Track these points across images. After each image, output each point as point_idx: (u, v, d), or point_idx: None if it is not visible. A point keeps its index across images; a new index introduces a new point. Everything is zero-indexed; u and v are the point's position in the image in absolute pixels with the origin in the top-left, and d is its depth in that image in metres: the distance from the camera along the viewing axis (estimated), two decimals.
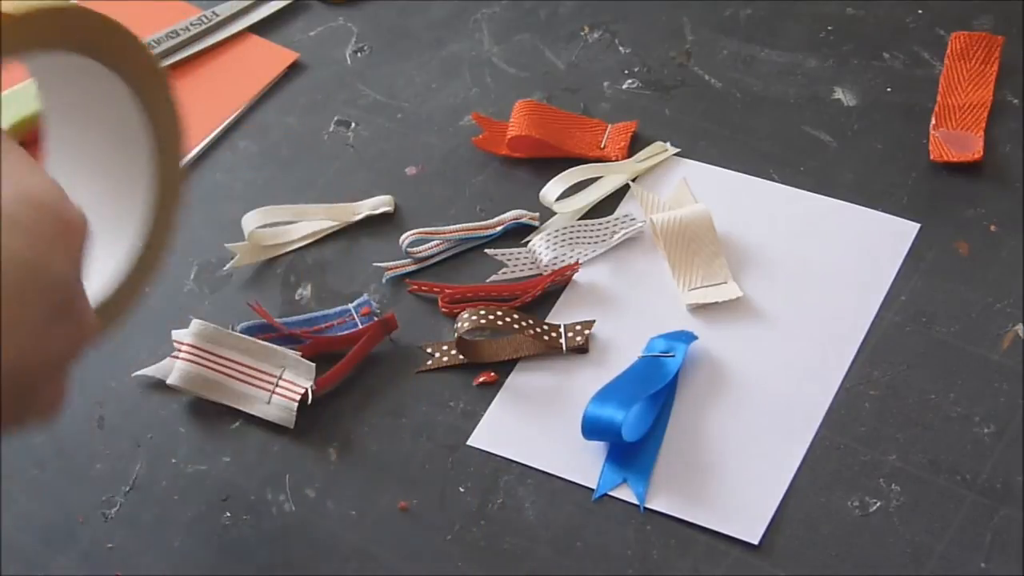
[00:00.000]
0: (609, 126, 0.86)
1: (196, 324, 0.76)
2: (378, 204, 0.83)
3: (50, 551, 0.71)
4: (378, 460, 0.73)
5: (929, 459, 0.70)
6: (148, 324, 0.79)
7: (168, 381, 0.76)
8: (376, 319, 0.77)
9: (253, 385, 0.75)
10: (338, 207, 0.83)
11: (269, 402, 0.74)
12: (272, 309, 0.78)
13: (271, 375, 0.75)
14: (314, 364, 0.75)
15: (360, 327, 0.77)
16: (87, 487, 0.73)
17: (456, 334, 0.75)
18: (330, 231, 0.83)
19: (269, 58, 0.93)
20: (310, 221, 0.83)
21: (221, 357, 0.76)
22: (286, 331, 0.77)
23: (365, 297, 0.79)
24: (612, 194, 0.83)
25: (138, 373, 0.77)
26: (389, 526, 0.71)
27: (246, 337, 0.76)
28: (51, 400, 0.58)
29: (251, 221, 0.82)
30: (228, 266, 0.81)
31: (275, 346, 0.76)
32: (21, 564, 0.71)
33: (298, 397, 0.74)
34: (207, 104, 0.90)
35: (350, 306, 0.78)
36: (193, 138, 0.87)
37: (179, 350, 0.76)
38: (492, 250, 0.81)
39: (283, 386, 0.75)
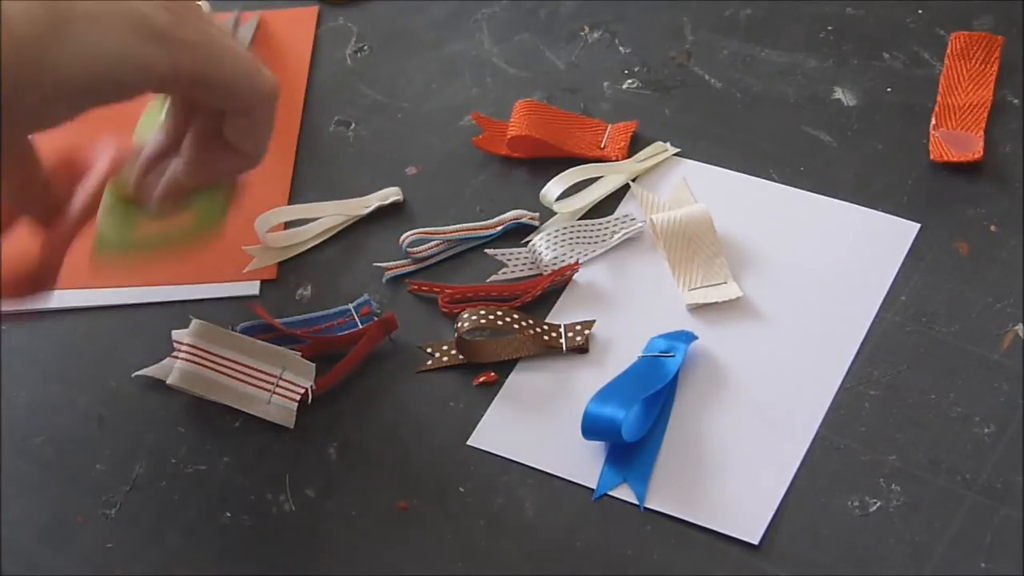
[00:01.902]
0: (609, 126, 0.86)
1: (196, 324, 0.76)
2: (387, 195, 0.83)
3: (50, 551, 0.71)
4: (378, 460, 0.73)
5: (929, 459, 0.70)
6: (148, 324, 0.79)
7: (168, 381, 0.76)
8: (376, 319, 0.77)
9: (253, 385, 0.75)
10: (348, 202, 0.83)
11: (269, 402, 0.74)
12: (272, 309, 0.78)
13: (271, 375, 0.75)
14: (314, 364, 0.75)
15: (360, 327, 0.77)
16: (87, 487, 0.73)
17: (456, 334, 0.75)
18: (342, 227, 0.83)
19: (295, 21, 0.94)
20: (322, 219, 0.83)
21: (221, 357, 0.76)
22: (286, 331, 0.77)
23: (365, 297, 0.79)
24: (612, 194, 0.83)
25: (138, 373, 0.77)
26: (389, 526, 0.71)
27: (246, 337, 0.76)
28: None
29: (265, 222, 0.81)
30: (247, 269, 0.81)
31: (275, 346, 0.76)
32: (21, 564, 0.71)
33: (298, 397, 0.74)
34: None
35: (350, 306, 0.78)
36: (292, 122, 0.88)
37: (179, 350, 0.76)
38: (492, 250, 0.81)
39: (283, 386, 0.75)
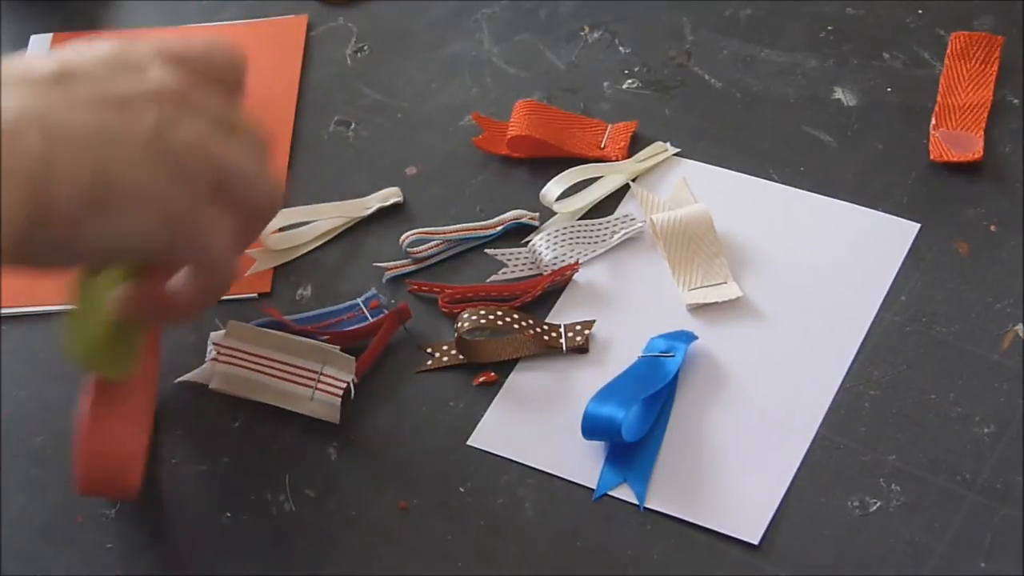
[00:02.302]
0: (609, 126, 0.86)
1: (232, 325, 0.76)
2: (387, 196, 0.83)
3: (50, 551, 0.71)
4: (378, 460, 0.73)
5: (929, 459, 0.70)
6: None
7: (211, 385, 0.75)
8: (386, 312, 0.77)
9: (295, 383, 0.74)
10: (348, 203, 0.83)
11: (312, 398, 0.74)
12: None
13: (312, 371, 0.74)
14: (353, 358, 0.74)
15: (371, 320, 0.77)
16: None
17: (456, 334, 0.75)
18: (343, 228, 0.83)
19: (285, 30, 0.94)
20: (323, 220, 0.83)
21: (261, 357, 0.75)
22: (296, 328, 0.76)
23: (373, 291, 0.79)
24: (612, 194, 0.83)
25: (181, 379, 0.76)
26: (389, 526, 0.71)
27: (284, 335, 0.75)
28: None
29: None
30: (249, 272, 0.81)
31: (314, 341, 0.75)
32: (21, 564, 0.71)
33: (341, 392, 0.73)
34: (271, 90, 0.91)
35: (359, 300, 0.78)
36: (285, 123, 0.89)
37: (219, 353, 0.75)
38: (492, 250, 0.81)
39: (325, 381, 0.74)
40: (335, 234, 0.83)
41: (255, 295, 0.80)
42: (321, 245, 0.83)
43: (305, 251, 0.82)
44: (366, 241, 0.82)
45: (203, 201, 0.63)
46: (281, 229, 0.82)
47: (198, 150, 0.62)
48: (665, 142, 0.85)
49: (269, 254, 0.82)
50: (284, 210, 0.83)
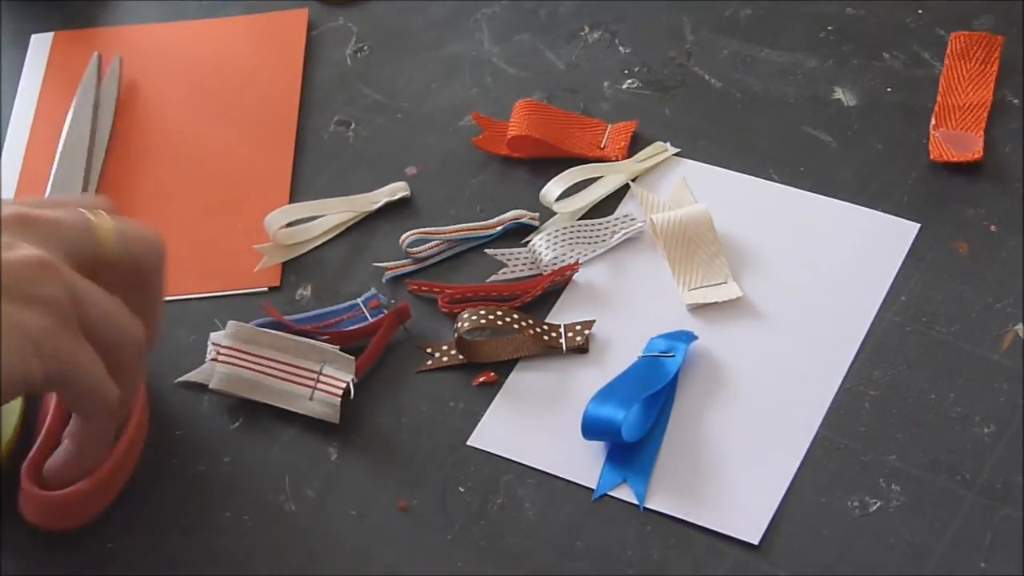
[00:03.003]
0: (609, 126, 0.86)
1: (233, 325, 0.76)
2: (395, 190, 0.83)
3: (50, 551, 0.71)
4: (378, 460, 0.73)
5: (929, 459, 0.70)
6: None
7: (211, 385, 0.75)
8: (386, 312, 0.77)
9: (294, 383, 0.74)
10: (356, 198, 0.83)
11: (311, 398, 0.74)
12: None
13: (311, 371, 0.74)
14: (353, 357, 0.74)
15: (371, 320, 0.77)
16: None
17: (456, 334, 0.75)
18: (351, 223, 0.83)
19: (286, 24, 0.94)
20: (331, 215, 0.83)
21: (261, 357, 0.75)
22: (296, 328, 0.76)
23: (373, 291, 0.79)
24: (612, 194, 0.83)
25: (181, 379, 0.76)
26: (389, 526, 0.71)
27: (284, 335, 0.75)
28: None
29: (275, 220, 0.81)
30: (258, 267, 0.81)
31: (314, 341, 0.75)
32: (21, 564, 0.71)
33: (341, 392, 0.73)
34: (274, 85, 0.91)
35: (359, 300, 0.78)
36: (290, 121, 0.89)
37: (219, 353, 0.75)
38: (492, 250, 0.81)
39: (324, 381, 0.74)
40: (342, 230, 0.83)
41: (265, 288, 0.80)
42: (321, 245, 0.83)
43: (313, 246, 0.82)
44: (366, 241, 0.82)
45: (63, 324, 0.63)
46: (289, 224, 0.82)
47: (46, 267, 0.62)
48: (665, 142, 0.85)
49: (278, 249, 0.82)
50: (293, 205, 0.83)
